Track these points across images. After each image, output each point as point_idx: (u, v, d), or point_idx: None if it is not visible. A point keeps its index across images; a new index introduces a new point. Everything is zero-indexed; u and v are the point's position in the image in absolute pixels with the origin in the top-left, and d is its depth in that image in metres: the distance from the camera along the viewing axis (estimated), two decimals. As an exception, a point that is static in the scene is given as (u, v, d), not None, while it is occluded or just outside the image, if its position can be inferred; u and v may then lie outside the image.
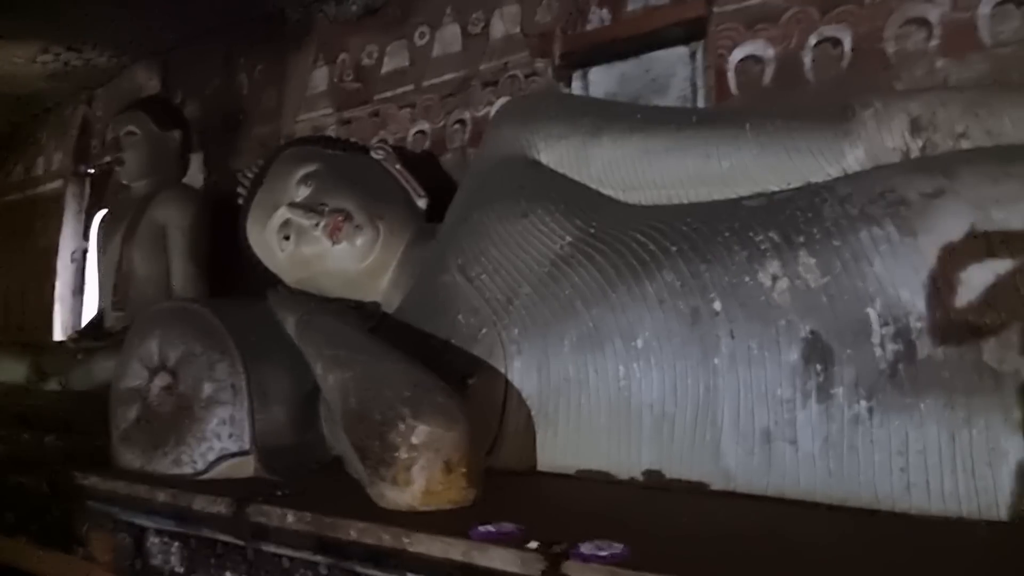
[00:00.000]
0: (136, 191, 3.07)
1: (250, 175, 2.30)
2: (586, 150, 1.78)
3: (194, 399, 1.70)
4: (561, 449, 1.54)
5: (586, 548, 1.00)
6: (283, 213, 2.07)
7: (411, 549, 1.15)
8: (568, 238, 1.66)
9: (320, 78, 2.96)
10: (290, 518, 1.33)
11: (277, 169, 2.15)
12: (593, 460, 1.50)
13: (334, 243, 2.01)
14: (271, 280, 2.20)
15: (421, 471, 1.28)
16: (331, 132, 2.78)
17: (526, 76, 2.35)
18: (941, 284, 1.20)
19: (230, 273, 2.97)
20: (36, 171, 4.41)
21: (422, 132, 2.60)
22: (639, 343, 1.45)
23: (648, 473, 1.44)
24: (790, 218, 1.40)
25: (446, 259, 1.83)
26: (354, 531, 1.23)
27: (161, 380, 1.79)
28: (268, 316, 1.87)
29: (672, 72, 2.13)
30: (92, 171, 3.95)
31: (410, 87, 2.65)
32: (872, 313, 1.24)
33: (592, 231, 1.64)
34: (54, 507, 2.15)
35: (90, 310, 3.89)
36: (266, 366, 1.76)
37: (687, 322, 1.41)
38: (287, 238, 2.07)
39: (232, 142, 3.26)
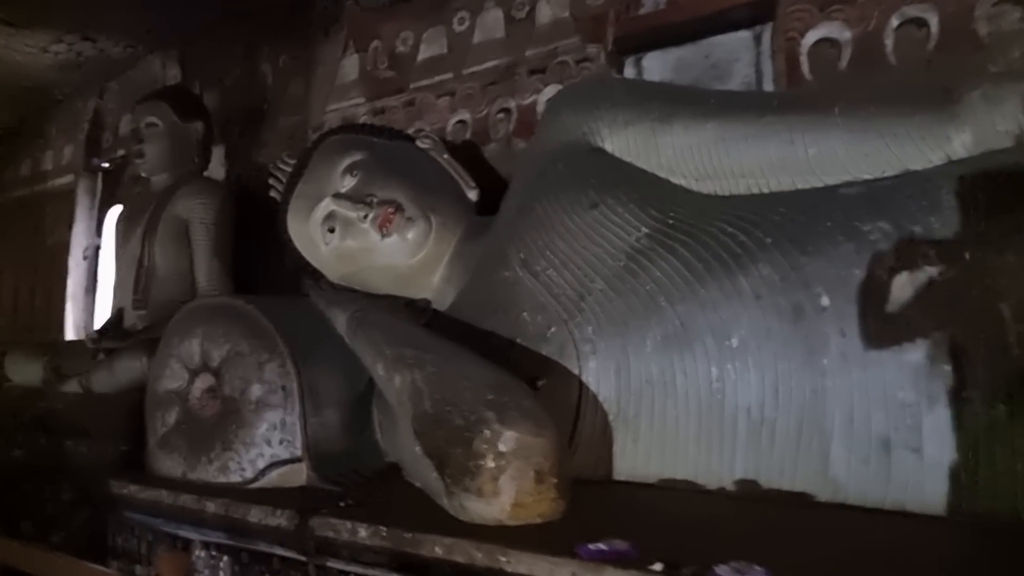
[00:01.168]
0: (156, 184, 2.95)
1: (285, 166, 2.19)
2: (656, 137, 1.67)
3: (242, 402, 1.59)
4: (643, 456, 1.43)
5: (724, 572, 0.89)
6: (328, 204, 1.95)
7: (509, 569, 1.04)
8: (644, 229, 1.54)
9: (351, 66, 2.83)
10: (362, 532, 1.22)
11: (320, 158, 2.03)
12: (678, 468, 1.39)
13: (384, 236, 1.89)
14: (309, 276, 2.08)
15: (510, 481, 1.16)
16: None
17: (577, 62, 2.23)
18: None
19: (255, 269, 2.86)
20: (45, 166, 4.28)
21: (462, 122, 2.48)
22: (734, 342, 1.34)
23: (741, 483, 1.33)
24: (902, 207, 1.29)
25: (506, 253, 1.71)
26: (440, 548, 1.12)
27: (203, 381, 1.68)
28: (314, 313, 1.76)
29: (734, 57, 2.02)
30: (107, 165, 3.82)
31: (449, 75, 2.53)
32: (1006, 308, 1.14)
33: (671, 222, 1.53)
34: (78, 516, 2.04)
35: (103, 309, 3.77)
36: (316, 367, 1.65)
37: (789, 319, 1.30)
38: (332, 231, 1.95)
39: (255, 133, 3.14)
